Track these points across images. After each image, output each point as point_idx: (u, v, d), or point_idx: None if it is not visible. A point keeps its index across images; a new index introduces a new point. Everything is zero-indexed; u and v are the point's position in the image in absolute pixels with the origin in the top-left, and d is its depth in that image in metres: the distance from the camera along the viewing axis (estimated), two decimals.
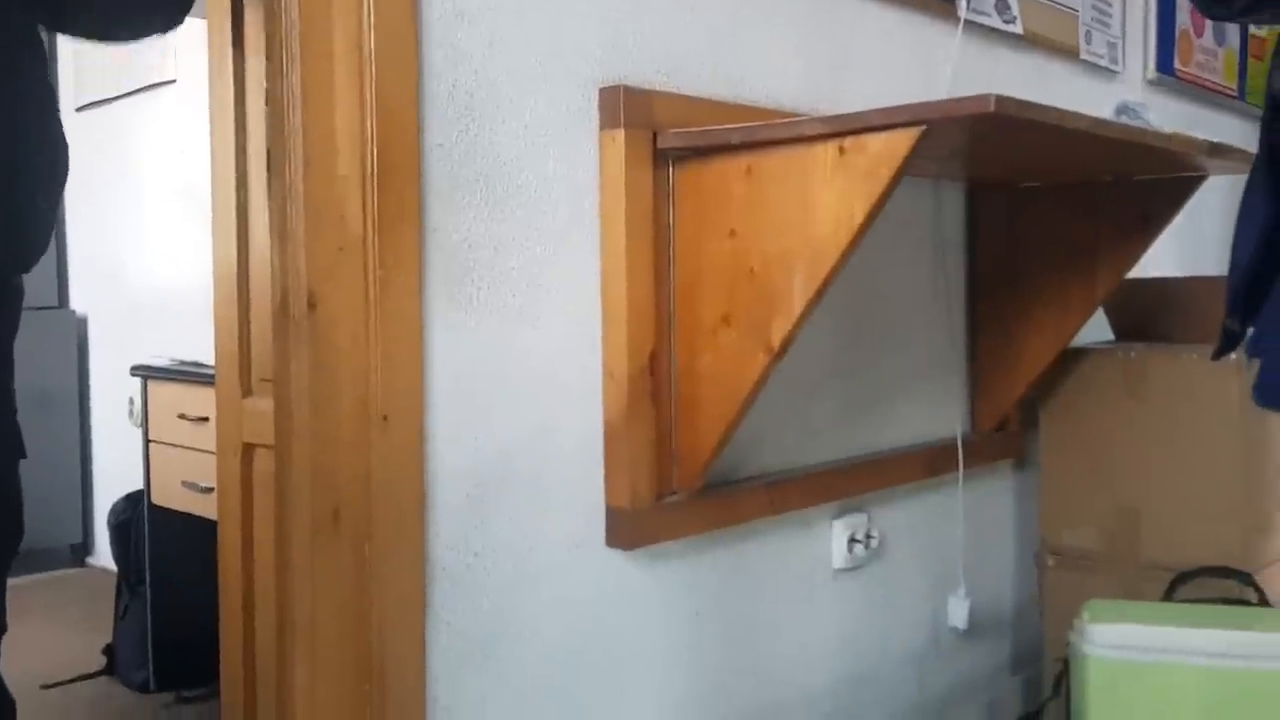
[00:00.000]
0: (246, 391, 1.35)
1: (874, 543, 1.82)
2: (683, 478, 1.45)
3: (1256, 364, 0.82)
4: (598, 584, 1.44)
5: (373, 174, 1.22)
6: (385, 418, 1.23)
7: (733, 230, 1.40)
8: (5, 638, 1.31)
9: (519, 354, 1.36)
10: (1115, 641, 1.59)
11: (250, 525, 1.31)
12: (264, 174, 1.23)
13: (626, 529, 1.41)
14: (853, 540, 1.78)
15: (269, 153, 1.21)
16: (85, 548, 3.82)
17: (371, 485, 1.23)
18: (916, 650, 1.97)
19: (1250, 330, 0.88)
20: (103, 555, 3.55)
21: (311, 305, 1.18)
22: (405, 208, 1.24)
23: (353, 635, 1.23)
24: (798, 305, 1.33)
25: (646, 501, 1.42)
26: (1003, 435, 2.09)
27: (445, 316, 1.29)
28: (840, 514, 1.78)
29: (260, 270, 1.26)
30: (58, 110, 1.33)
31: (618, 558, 1.46)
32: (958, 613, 2.00)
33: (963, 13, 1.97)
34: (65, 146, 1.33)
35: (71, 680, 2.65)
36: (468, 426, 1.31)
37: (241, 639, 1.33)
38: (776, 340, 1.35)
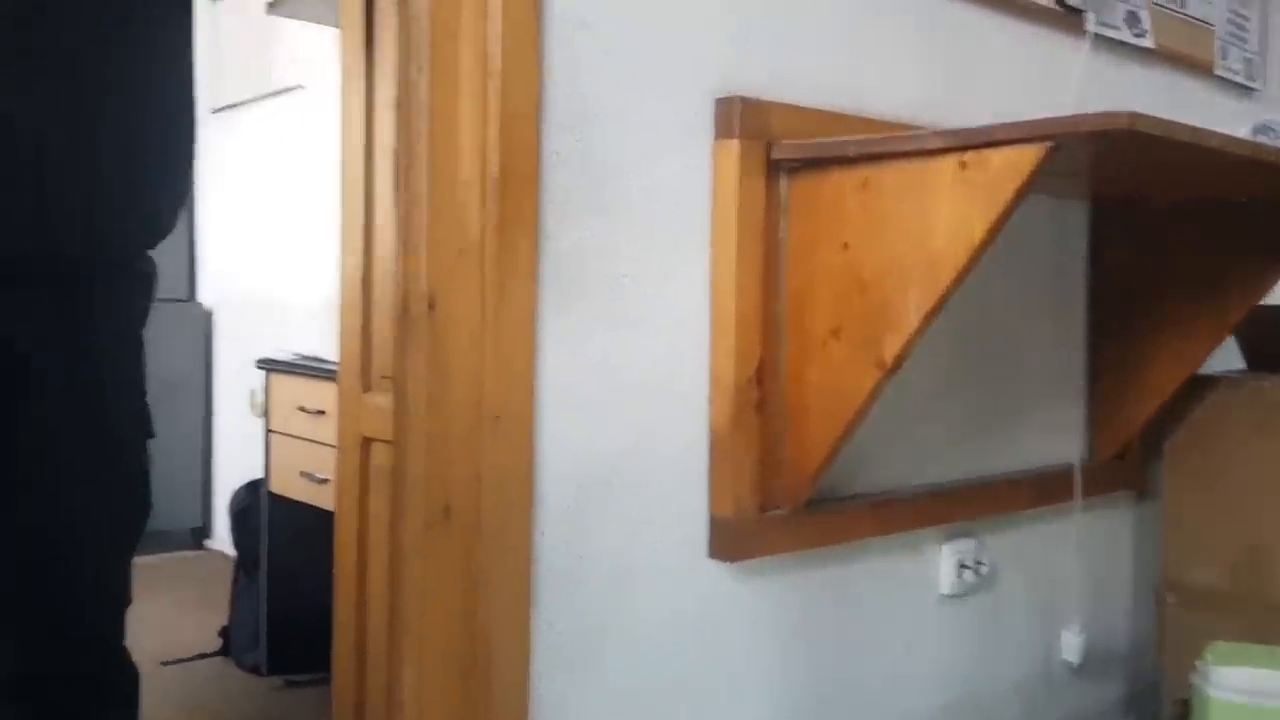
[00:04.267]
0: (367, 387, 1.39)
1: (984, 569, 1.78)
2: (788, 491, 1.44)
3: None
4: (700, 594, 1.44)
5: (493, 180, 1.25)
6: (497, 418, 1.26)
7: (846, 243, 1.39)
8: (129, 612, 1.36)
9: (628, 360, 1.37)
10: (1240, 685, 1.53)
11: (365, 517, 1.35)
12: (390, 178, 1.26)
13: (730, 541, 1.41)
14: (962, 566, 1.74)
15: (396, 158, 1.25)
16: (205, 531, 3.97)
17: (482, 483, 1.25)
18: (1025, 683, 1.92)
19: None
20: (221, 539, 3.68)
21: (431, 306, 1.21)
22: (523, 213, 1.27)
23: (461, 631, 1.25)
24: (912, 321, 1.31)
25: (751, 513, 1.42)
26: (1123, 464, 2.03)
27: (557, 321, 1.31)
28: (949, 538, 1.75)
29: (384, 271, 1.30)
30: (192, 81, 1.35)
31: (720, 569, 1.45)
32: (1071, 647, 1.94)
33: (1091, 26, 1.92)
34: (192, 120, 1.35)
35: (189, 659, 2.76)
36: (576, 430, 1.32)
37: (354, 629, 1.37)
38: (889, 355, 1.33)
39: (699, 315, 1.42)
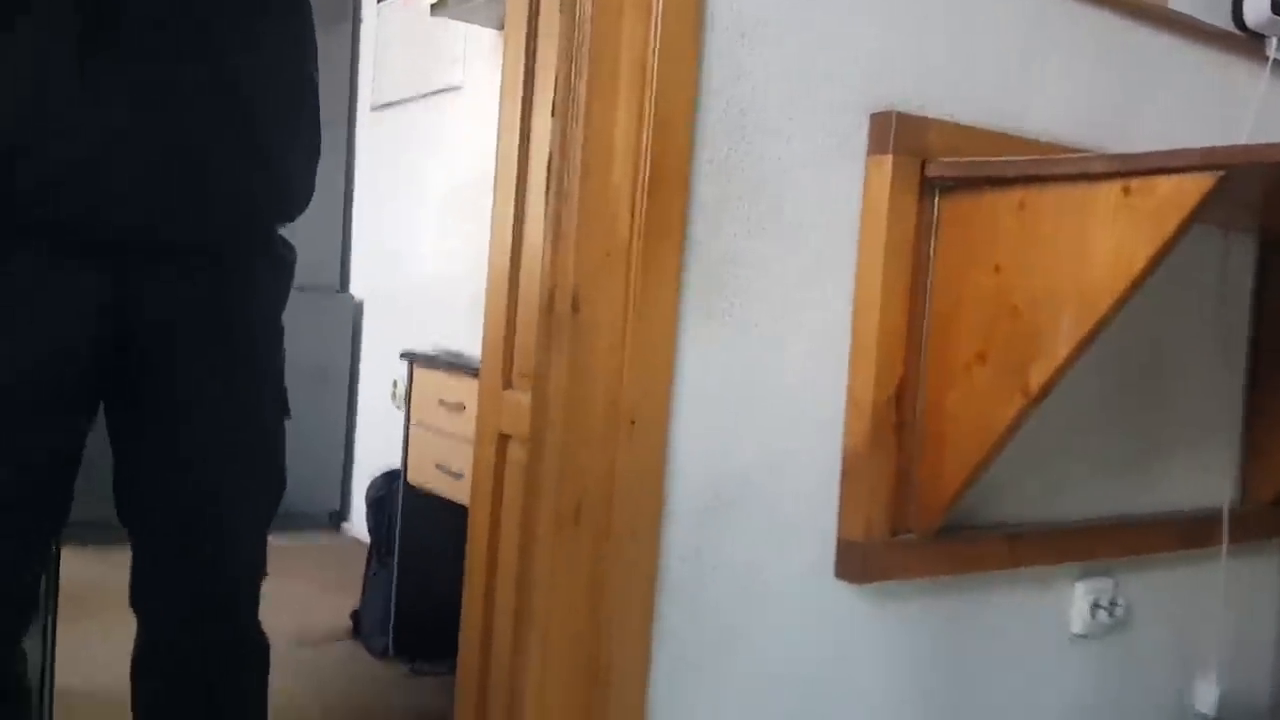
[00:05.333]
0: (507, 384, 1.41)
1: (1119, 611, 1.71)
2: (920, 517, 1.41)
3: None
4: (824, 615, 1.42)
5: (644, 185, 1.26)
6: (633, 422, 1.27)
7: (998, 265, 1.36)
8: (266, 589, 1.42)
9: (766, 373, 1.36)
10: None
11: (498, 512, 1.38)
12: (543, 179, 1.29)
13: (858, 563, 1.39)
14: (1096, 606, 1.68)
15: (550, 159, 1.28)
16: (342, 515, 4.10)
17: (614, 486, 1.26)
18: None
19: None
20: (357, 525, 3.80)
21: (575, 307, 1.23)
22: (671, 219, 1.28)
23: (585, 629, 1.27)
24: (1063, 349, 1.27)
25: (881, 537, 1.40)
26: (1277, 511, 1.92)
27: (698, 329, 1.31)
28: (1084, 576, 1.68)
29: (531, 270, 1.33)
30: (314, 57, 1.39)
31: (846, 591, 1.43)
32: (1206, 698, 1.85)
33: (1273, 52, 1.83)
34: (315, 97, 1.39)
35: (321, 640, 2.85)
36: (710, 440, 1.33)
37: (481, 620, 1.40)
38: (1035, 384, 1.30)
39: (841, 332, 1.41)
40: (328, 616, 2.98)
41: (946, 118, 1.46)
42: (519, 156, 1.41)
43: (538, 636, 1.28)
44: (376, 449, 3.71)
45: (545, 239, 1.28)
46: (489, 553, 1.42)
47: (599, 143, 1.23)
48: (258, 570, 1.39)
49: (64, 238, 1.19)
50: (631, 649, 1.29)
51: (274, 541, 1.42)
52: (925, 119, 1.43)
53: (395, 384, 3.51)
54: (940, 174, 1.41)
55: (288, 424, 1.41)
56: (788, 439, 1.38)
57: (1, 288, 1.17)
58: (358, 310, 4.10)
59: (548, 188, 1.29)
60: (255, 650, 1.42)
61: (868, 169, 1.42)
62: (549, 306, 1.25)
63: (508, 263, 1.38)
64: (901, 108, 1.43)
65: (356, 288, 4.15)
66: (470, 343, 2.44)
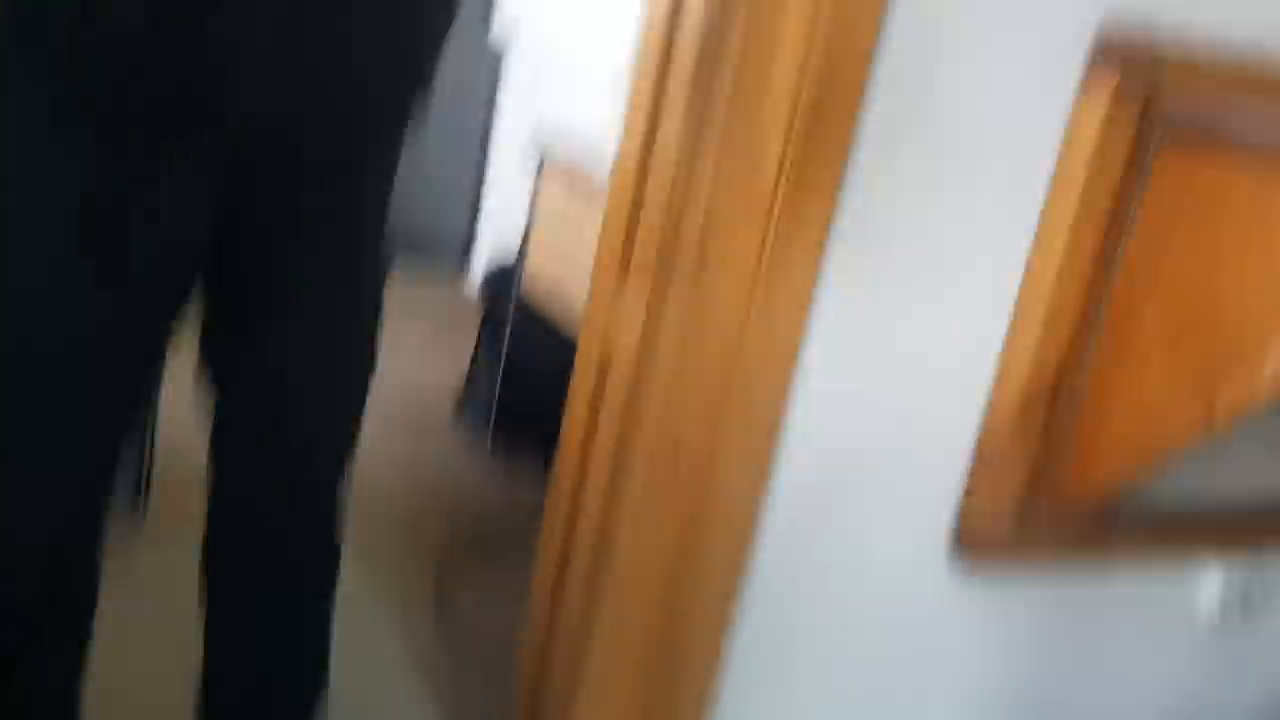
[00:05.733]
0: (623, 280, 1.26)
1: (1260, 605, 1.55)
2: (1055, 512, 1.27)
3: None
4: (930, 593, 1.32)
5: (804, 106, 1.07)
6: (750, 372, 1.14)
7: (1212, 250, 1.14)
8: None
9: (910, 341, 1.20)
10: None
11: (594, 428, 1.27)
12: (687, 85, 1.10)
13: (976, 549, 1.27)
14: (1231, 595, 1.53)
15: (696, 67, 1.08)
16: (468, 250, 4.03)
17: (719, 434, 1.15)
18: None
19: None
20: (478, 276, 3.74)
21: (701, 258, 1.08)
22: (833, 149, 1.09)
23: (670, 574, 1.20)
24: (1267, 377, 1.07)
25: (1005, 525, 1.26)
26: None
27: (841, 288, 1.14)
28: (1226, 563, 1.51)
29: (660, 187, 1.15)
30: None
31: (958, 572, 1.31)
32: None
33: None
34: None
35: (426, 403, 2.85)
36: (834, 402, 1.19)
37: (565, 518, 1.31)
38: (1225, 404, 1.11)
39: (1004, 299, 1.22)
40: (434, 374, 2.97)
41: (1191, 42, 1.18)
42: (668, 32, 1.20)
43: (619, 576, 1.22)
44: (508, 215, 3.60)
45: (679, 158, 1.10)
46: (581, 458, 1.31)
47: (759, 52, 1.03)
48: (344, 456, 1.32)
49: (188, 128, 1.06)
50: (714, 595, 1.22)
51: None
52: (1157, 45, 1.16)
53: (531, 150, 3.35)
54: (1167, 116, 1.16)
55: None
56: (922, 409, 1.23)
57: (114, 172, 1.06)
58: (498, 61, 3.89)
59: (689, 95, 1.10)
60: (328, 548, 1.34)
61: (1077, 104, 1.17)
62: (669, 261, 1.10)
63: (633, 183, 1.20)
64: (1133, 27, 1.15)
65: (499, 38, 3.92)
66: (608, 125, 2.23)
